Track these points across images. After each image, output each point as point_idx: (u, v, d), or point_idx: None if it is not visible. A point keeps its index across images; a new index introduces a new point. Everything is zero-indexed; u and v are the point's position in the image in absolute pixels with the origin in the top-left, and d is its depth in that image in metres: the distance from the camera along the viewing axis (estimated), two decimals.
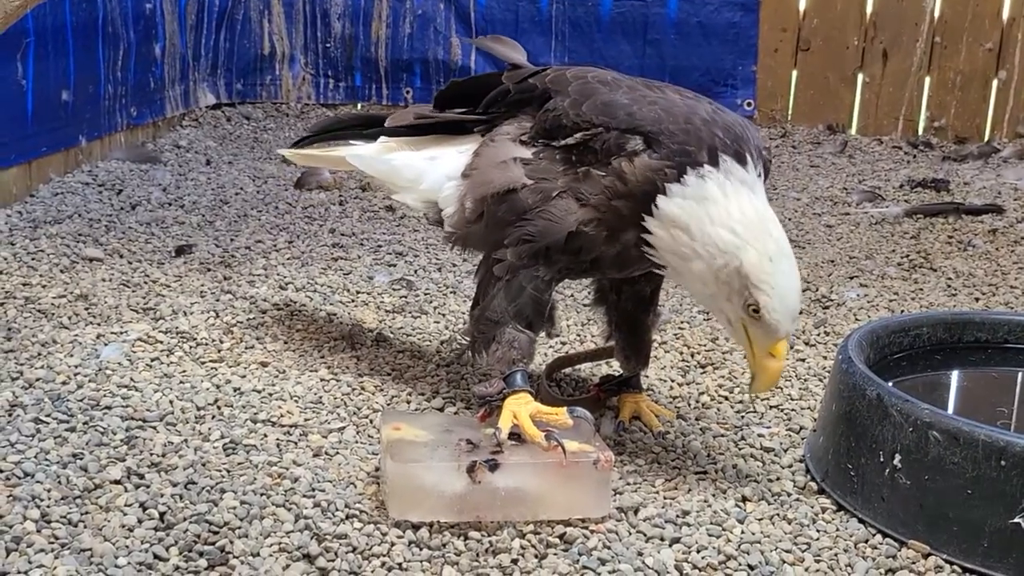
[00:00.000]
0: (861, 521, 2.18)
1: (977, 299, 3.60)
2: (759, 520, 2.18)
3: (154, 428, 2.42)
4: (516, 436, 2.20)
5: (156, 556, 1.96)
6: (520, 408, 2.24)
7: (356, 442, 2.44)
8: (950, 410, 2.50)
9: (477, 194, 2.39)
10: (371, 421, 2.55)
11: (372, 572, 1.96)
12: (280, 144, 5.63)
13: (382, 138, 2.75)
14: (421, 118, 2.67)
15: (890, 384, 2.27)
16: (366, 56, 6.44)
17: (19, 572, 1.89)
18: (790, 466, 2.42)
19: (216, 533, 2.03)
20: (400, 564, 1.98)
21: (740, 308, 2.15)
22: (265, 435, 2.44)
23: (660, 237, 2.21)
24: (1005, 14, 6.12)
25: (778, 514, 2.21)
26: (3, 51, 4.02)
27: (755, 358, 2.19)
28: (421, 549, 2.03)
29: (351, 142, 2.85)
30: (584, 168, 2.26)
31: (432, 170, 2.54)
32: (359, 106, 6.50)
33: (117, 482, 2.18)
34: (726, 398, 2.77)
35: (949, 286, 3.72)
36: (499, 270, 2.37)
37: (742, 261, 2.11)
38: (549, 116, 2.34)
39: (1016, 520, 1.98)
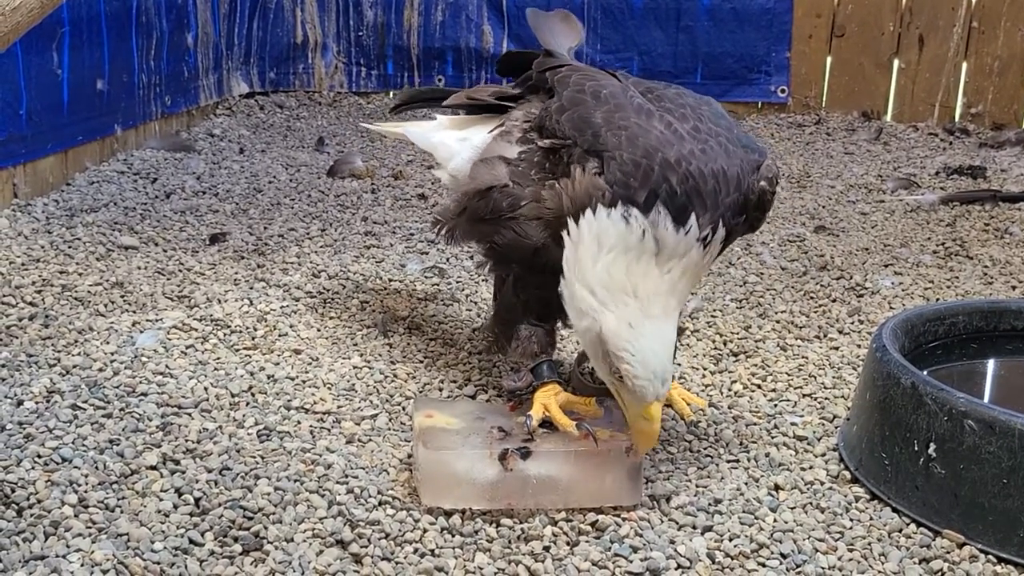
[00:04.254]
0: (895, 510, 2.17)
1: (1014, 287, 3.56)
2: (792, 509, 2.18)
3: (189, 415, 2.45)
4: (548, 424, 2.21)
5: (192, 541, 1.98)
6: (550, 399, 2.26)
7: (389, 429, 2.46)
8: (986, 399, 2.47)
9: (463, 188, 2.46)
10: (403, 408, 2.56)
11: (405, 558, 1.97)
12: (312, 132, 5.66)
13: (440, 117, 2.84)
14: (471, 98, 2.72)
15: (925, 373, 2.25)
16: (398, 44, 6.44)
17: (57, 556, 1.92)
18: (823, 455, 2.41)
19: (251, 519, 2.05)
20: (432, 550, 1.99)
21: (608, 372, 2.11)
22: (299, 422, 2.46)
23: (568, 252, 2.17)
24: None
25: (811, 503, 2.20)
26: (39, 41, 4.06)
27: (629, 420, 2.12)
28: (453, 536, 2.04)
29: (415, 121, 3.03)
30: (551, 181, 2.26)
31: (461, 150, 2.60)
32: (391, 94, 6.51)
33: (153, 468, 2.21)
34: (759, 386, 2.76)
35: (985, 274, 3.68)
36: (486, 269, 2.47)
37: (601, 327, 2.07)
38: (542, 113, 2.36)
39: None
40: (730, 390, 2.74)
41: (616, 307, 2.07)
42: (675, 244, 2.11)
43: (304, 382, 2.67)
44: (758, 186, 2.27)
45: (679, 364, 2.82)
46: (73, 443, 2.28)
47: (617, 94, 2.29)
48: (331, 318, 3.11)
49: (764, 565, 2.00)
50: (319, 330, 3.01)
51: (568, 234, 2.17)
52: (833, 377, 2.82)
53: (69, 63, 4.30)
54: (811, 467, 2.35)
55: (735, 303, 3.35)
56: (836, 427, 2.53)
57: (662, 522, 2.11)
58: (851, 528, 2.12)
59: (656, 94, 2.34)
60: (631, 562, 1.98)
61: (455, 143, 2.65)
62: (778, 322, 3.20)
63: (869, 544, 2.07)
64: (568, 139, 2.24)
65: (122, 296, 3.16)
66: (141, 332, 2.87)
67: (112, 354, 2.73)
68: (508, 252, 2.34)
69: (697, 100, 2.35)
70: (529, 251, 2.29)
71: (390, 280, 3.46)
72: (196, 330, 2.92)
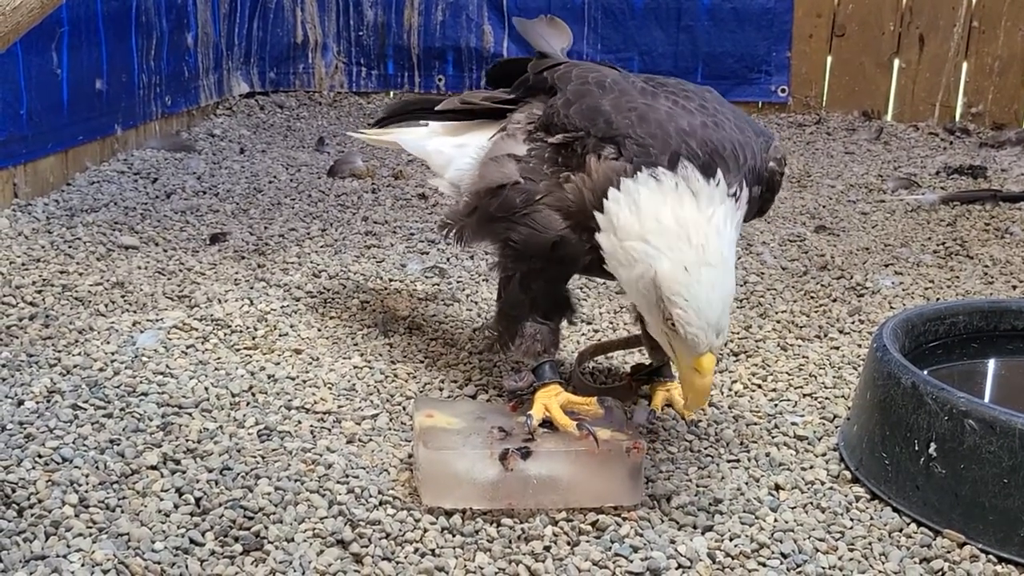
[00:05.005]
0: (895, 510, 2.17)
1: (1015, 287, 3.56)
2: (792, 508, 2.18)
3: (189, 415, 2.45)
4: (548, 424, 2.21)
5: (192, 541, 1.98)
6: (551, 400, 2.25)
7: (389, 429, 2.46)
8: (986, 399, 2.47)
9: (472, 188, 2.43)
10: (404, 408, 2.56)
11: (405, 558, 1.97)
12: (313, 132, 5.66)
13: (431, 123, 2.79)
14: (465, 103, 2.70)
15: (925, 372, 2.25)
16: (398, 44, 6.44)
17: (58, 556, 1.92)
18: (824, 454, 2.41)
19: (251, 519, 2.05)
20: (433, 550, 1.99)
21: (661, 321, 2.07)
22: (299, 422, 2.46)
23: (603, 237, 2.16)
24: None
25: (811, 502, 2.20)
26: (39, 41, 4.06)
27: (681, 373, 2.10)
28: (454, 535, 2.04)
29: (405, 127, 2.93)
30: (566, 173, 2.24)
31: (458, 157, 2.57)
32: (392, 94, 6.51)
33: (153, 468, 2.21)
34: (759, 386, 2.76)
35: (986, 274, 3.68)
36: (499, 268, 2.43)
37: (656, 271, 2.02)
38: (547, 112, 2.35)
39: None
40: (730, 390, 2.74)
41: (672, 252, 2.02)
42: (710, 194, 2.08)
43: (304, 382, 2.67)
44: (768, 165, 2.28)
45: None
46: (74, 443, 2.28)
47: (619, 81, 2.31)
48: (331, 318, 3.11)
49: (765, 565, 2.00)
50: (319, 330, 3.01)
51: (598, 226, 2.15)
52: (833, 377, 2.82)
53: (68, 63, 4.30)
54: (811, 467, 2.35)
55: (735, 303, 3.35)
56: (836, 427, 2.53)
57: (662, 522, 2.11)
58: (851, 528, 2.12)
59: (657, 81, 2.35)
60: (631, 562, 1.98)
61: (451, 150, 2.62)
62: (778, 322, 3.20)
63: (870, 544, 2.07)
64: (580, 130, 2.23)
65: (122, 296, 3.16)
66: (141, 332, 2.87)
67: (112, 354, 2.73)
68: (524, 248, 2.31)
69: (699, 88, 2.36)
70: (547, 244, 2.27)
71: (390, 280, 3.46)
72: (196, 330, 2.92)
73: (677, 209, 2.06)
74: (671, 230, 2.04)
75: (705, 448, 2.42)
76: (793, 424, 2.54)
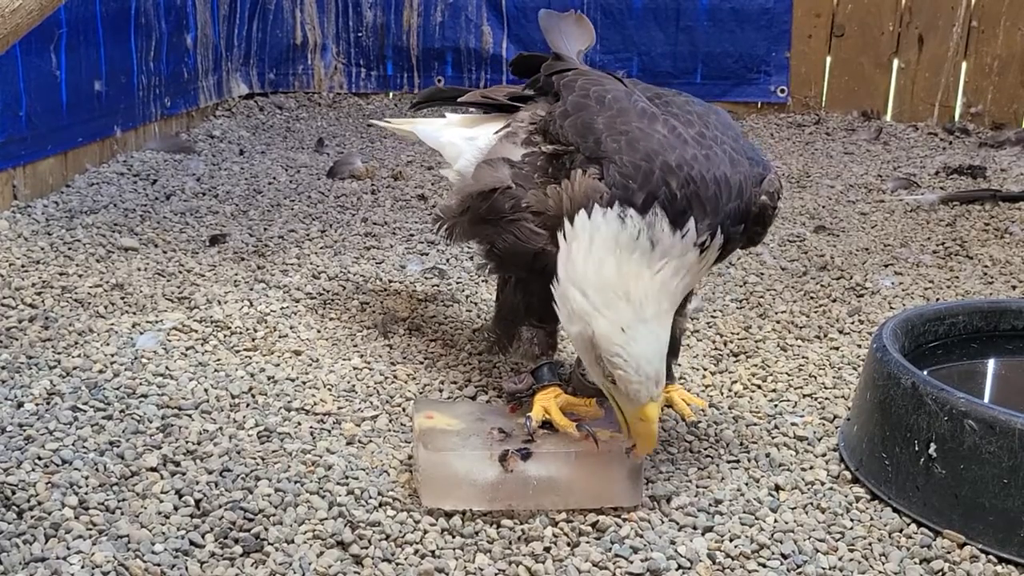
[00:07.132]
0: (895, 510, 2.17)
1: (1014, 287, 3.56)
2: (792, 509, 2.18)
3: (189, 416, 2.45)
4: (548, 425, 2.21)
5: (192, 543, 1.98)
6: (550, 402, 2.26)
7: (389, 430, 2.46)
8: (986, 399, 2.47)
9: (465, 189, 2.44)
10: (404, 409, 2.56)
11: (405, 559, 1.97)
12: (312, 133, 5.66)
13: (449, 114, 2.83)
14: (486, 97, 2.71)
15: (925, 373, 2.25)
16: (398, 45, 6.44)
17: (58, 558, 1.92)
18: (824, 455, 2.41)
19: (251, 520, 2.05)
20: (433, 552, 1.99)
21: (602, 376, 2.08)
22: (299, 423, 2.46)
23: (560, 258, 2.15)
24: None
25: (811, 503, 2.20)
26: (37, 43, 4.06)
27: (629, 422, 2.10)
28: (454, 537, 2.04)
29: (425, 118, 3.01)
30: (554, 185, 2.24)
31: (468, 149, 2.58)
32: (391, 95, 6.51)
33: (153, 469, 2.21)
34: (759, 387, 2.76)
35: (985, 274, 3.68)
36: (485, 270, 2.47)
37: (593, 331, 2.04)
38: (546, 118, 2.35)
39: None
40: (730, 390, 2.74)
41: (608, 310, 2.04)
42: (670, 246, 2.08)
43: (304, 383, 2.67)
44: (759, 200, 2.26)
45: (680, 364, 2.81)
46: (73, 445, 2.28)
47: (621, 98, 2.28)
48: (331, 319, 3.11)
49: (765, 566, 2.00)
50: (319, 331, 3.01)
51: (564, 235, 2.16)
52: (833, 377, 2.82)
53: (67, 64, 4.30)
54: (811, 467, 2.35)
55: (735, 303, 3.35)
56: (836, 427, 2.52)
57: (663, 523, 2.11)
58: (852, 528, 2.12)
59: (664, 100, 2.33)
60: (632, 563, 1.98)
61: (462, 142, 2.64)
62: (778, 322, 3.20)
63: (870, 544, 2.07)
64: (571, 145, 2.23)
65: (122, 298, 3.16)
66: (141, 334, 2.87)
67: (112, 356, 2.73)
68: (508, 256, 2.33)
69: (705, 108, 2.34)
70: (529, 255, 2.28)
71: (390, 281, 3.46)
72: (196, 331, 2.91)
73: (624, 262, 2.06)
74: (610, 284, 2.05)
75: (705, 449, 2.42)
76: (793, 425, 2.54)
